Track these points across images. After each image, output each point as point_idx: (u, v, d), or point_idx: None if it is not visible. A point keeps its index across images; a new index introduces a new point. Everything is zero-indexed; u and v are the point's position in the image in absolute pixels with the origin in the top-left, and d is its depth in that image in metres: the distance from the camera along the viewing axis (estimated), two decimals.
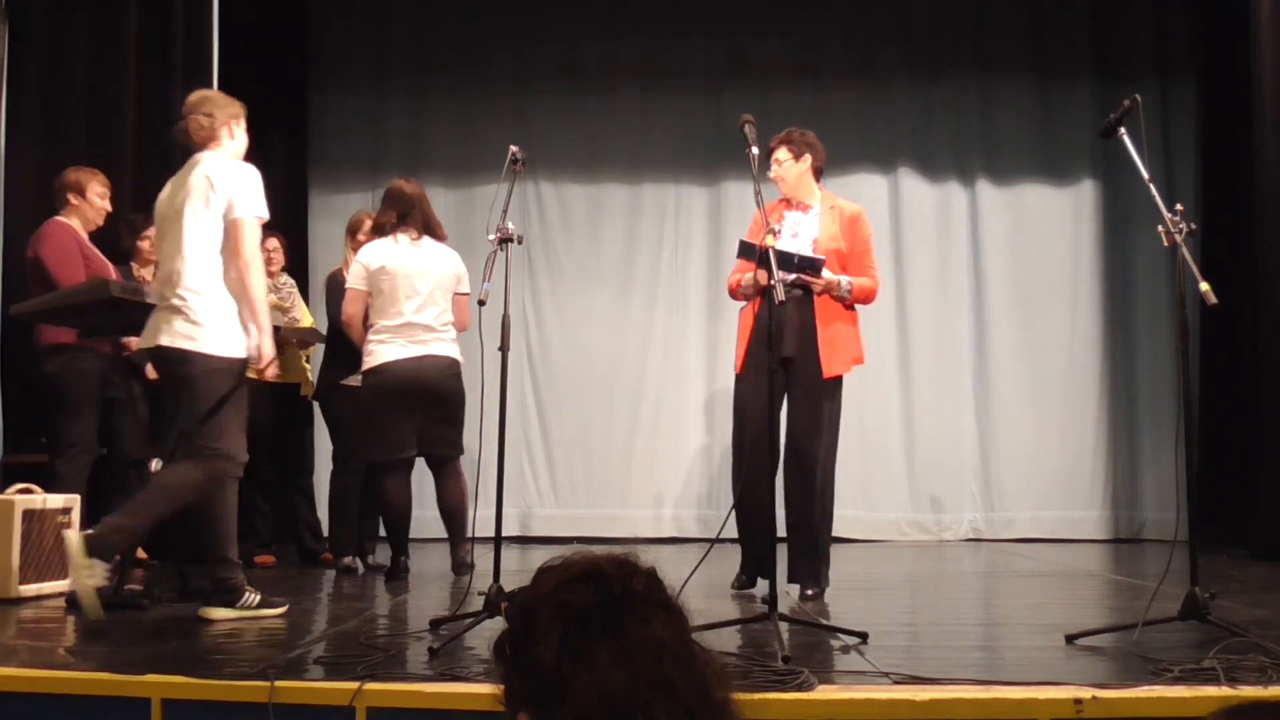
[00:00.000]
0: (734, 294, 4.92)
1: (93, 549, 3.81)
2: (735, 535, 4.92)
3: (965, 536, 7.92)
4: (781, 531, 4.60)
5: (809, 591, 4.63)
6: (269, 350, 4.13)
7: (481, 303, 3.96)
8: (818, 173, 4.98)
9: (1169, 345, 7.62)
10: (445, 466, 5.49)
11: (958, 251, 8.14)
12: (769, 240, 3.78)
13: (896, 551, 7.32)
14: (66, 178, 5.52)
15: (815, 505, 4.64)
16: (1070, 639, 3.53)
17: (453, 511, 5.46)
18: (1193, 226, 3.66)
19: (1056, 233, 8.13)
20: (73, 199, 5.50)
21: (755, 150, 3.97)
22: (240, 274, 4.06)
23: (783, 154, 4.90)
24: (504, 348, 4.10)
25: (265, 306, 4.14)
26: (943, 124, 8.19)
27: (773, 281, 3.66)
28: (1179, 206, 3.69)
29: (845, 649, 3.45)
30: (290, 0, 8.07)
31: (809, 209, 4.92)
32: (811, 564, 4.66)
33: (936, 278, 8.11)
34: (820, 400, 4.66)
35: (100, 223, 5.62)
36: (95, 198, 5.55)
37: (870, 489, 7.99)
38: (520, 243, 4.22)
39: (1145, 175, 3.74)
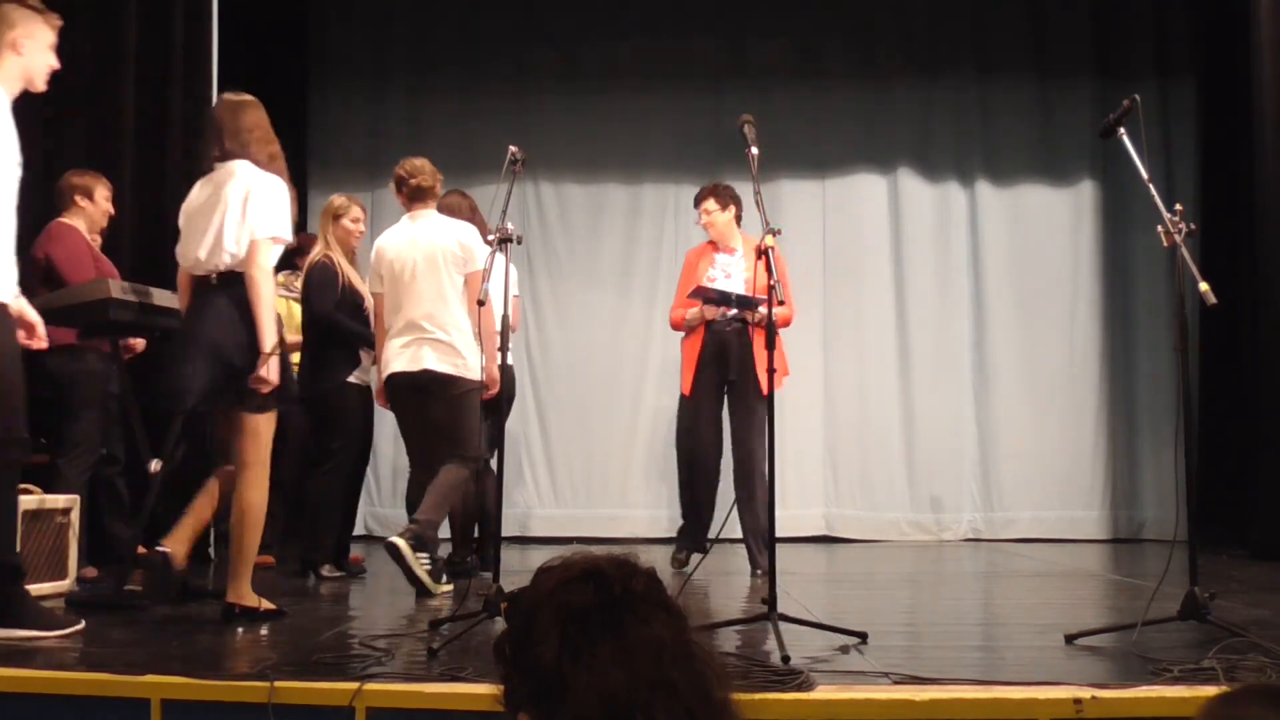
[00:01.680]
0: (677, 327, 5.76)
1: (415, 545, 4.66)
2: (717, 534, 5.26)
3: (965, 536, 7.92)
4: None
5: (759, 570, 5.40)
6: (496, 375, 4.74)
7: (481, 303, 3.96)
8: (738, 219, 5.78)
9: (1168, 345, 7.62)
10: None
11: (957, 252, 8.14)
12: (768, 240, 3.80)
13: (896, 551, 7.32)
14: (73, 180, 5.52)
15: (761, 499, 5.30)
16: (1070, 639, 3.53)
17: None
18: (1192, 226, 3.66)
19: (1056, 233, 8.13)
20: (80, 201, 5.51)
21: (755, 150, 3.98)
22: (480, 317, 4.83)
23: (711, 205, 5.71)
24: (503, 348, 4.11)
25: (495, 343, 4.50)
26: (942, 124, 8.19)
27: (772, 282, 3.69)
28: (1178, 206, 3.69)
29: (845, 649, 3.45)
30: (290, 1, 8.07)
31: (734, 251, 5.72)
32: (761, 549, 5.39)
33: (936, 278, 8.11)
34: (760, 412, 5.37)
35: (104, 225, 5.63)
36: (101, 200, 5.57)
37: (870, 489, 7.99)
38: (520, 243, 4.22)
39: (1145, 175, 3.74)
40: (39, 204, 6.02)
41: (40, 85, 3.82)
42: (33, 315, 3.85)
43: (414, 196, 5.19)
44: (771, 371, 3.77)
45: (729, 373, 5.58)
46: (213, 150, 4.25)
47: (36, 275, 5.40)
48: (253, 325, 3.98)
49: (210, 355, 4.00)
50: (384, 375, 5.11)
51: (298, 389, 4.58)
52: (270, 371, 3.97)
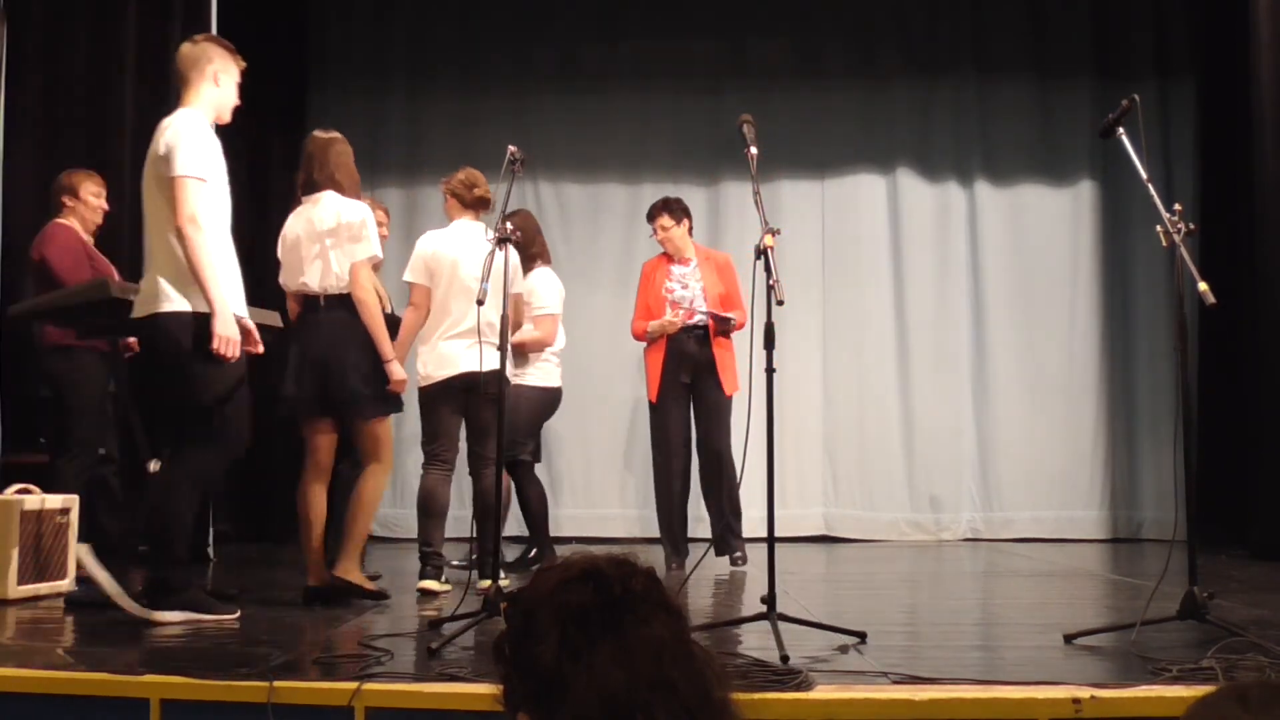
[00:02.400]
0: (639, 338, 6.01)
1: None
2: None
3: (964, 536, 7.92)
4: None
5: (737, 555, 5.84)
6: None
7: (480, 302, 3.97)
8: (690, 230, 6.06)
9: (1168, 345, 7.62)
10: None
11: (956, 252, 8.14)
12: (768, 240, 3.80)
13: (895, 551, 7.32)
14: (60, 181, 5.53)
15: (731, 492, 5.79)
16: (1069, 638, 3.53)
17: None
18: (1191, 226, 3.66)
19: (1055, 233, 8.13)
20: (67, 201, 5.50)
21: (754, 150, 3.98)
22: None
23: (666, 220, 5.95)
24: (503, 347, 4.11)
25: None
26: (942, 124, 8.19)
27: (772, 282, 3.68)
28: (1178, 206, 3.69)
29: (844, 649, 3.45)
30: (290, 1, 8.06)
31: (689, 262, 5.99)
32: (737, 538, 5.87)
33: (935, 278, 8.11)
34: (724, 412, 5.85)
35: (99, 222, 5.61)
36: (90, 197, 5.55)
37: (869, 489, 7.99)
38: (518, 242, 4.22)
39: (1144, 175, 3.74)
40: (37, 207, 6.05)
41: (227, 118, 4.17)
42: (250, 324, 4.11)
43: (477, 205, 5.34)
44: (771, 371, 3.74)
45: (690, 377, 5.89)
46: (301, 178, 4.76)
47: (33, 277, 5.41)
48: (360, 342, 4.50)
49: (320, 370, 4.49)
50: (441, 375, 5.02)
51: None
52: (400, 372, 4.46)
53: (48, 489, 5.02)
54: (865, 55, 8.25)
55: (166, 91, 6.41)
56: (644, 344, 6.03)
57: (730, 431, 5.88)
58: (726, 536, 5.88)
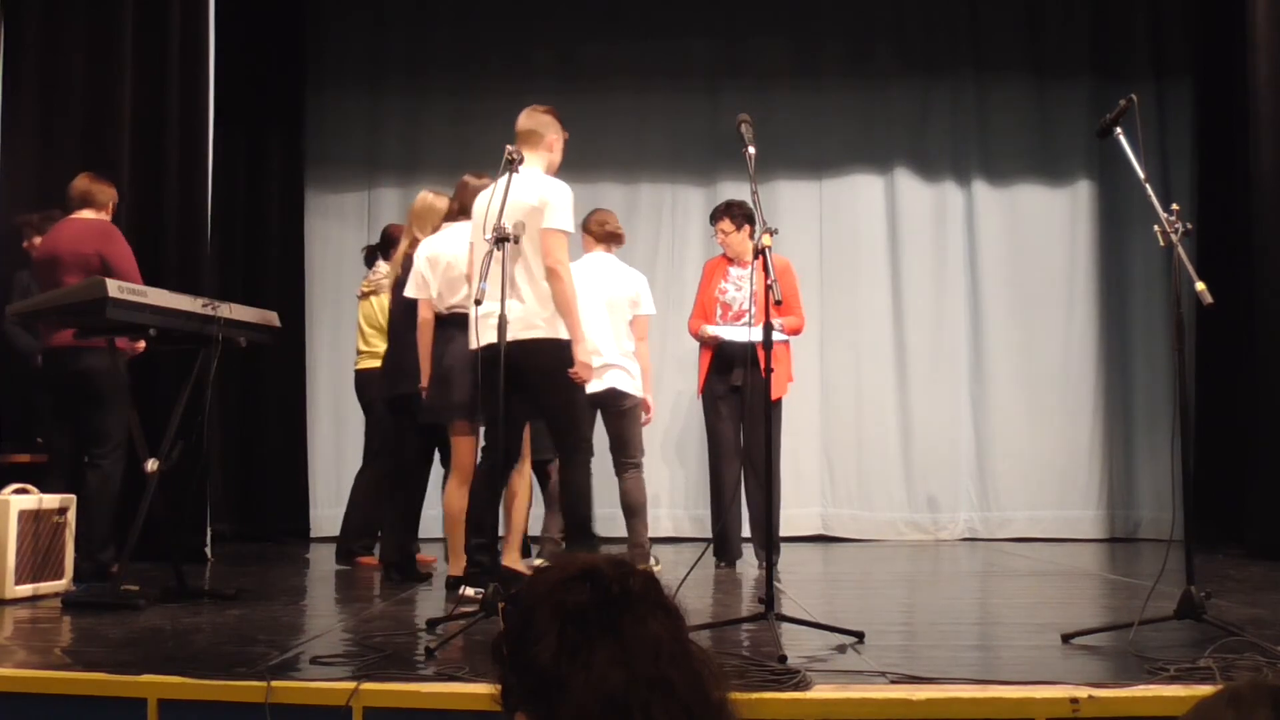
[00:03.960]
0: (694, 335, 6.19)
1: None
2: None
3: (961, 536, 7.92)
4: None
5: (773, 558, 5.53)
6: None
7: (478, 302, 3.96)
8: (751, 235, 5.98)
9: (1165, 345, 7.63)
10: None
11: (954, 252, 8.14)
12: (765, 240, 3.81)
13: (893, 551, 7.32)
14: (112, 188, 5.53)
15: (771, 503, 5.54)
16: (1066, 638, 3.54)
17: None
18: (1189, 226, 3.66)
19: (1053, 233, 8.13)
20: (113, 209, 5.53)
21: (752, 150, 3.98)
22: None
23: (727, 225, 6.08)
24: (502, 347, 4.10)
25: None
26: (939, 124, 8.19)
27: (770, 281, 3.69)
28: (1175, 206, 3.70)
29: (842, 648, 3.45)
30: (287, 1, 8.06)
31: (747, 264, 6.07)
32: (772, 544, 5.57)
33: (933, 278, 8.12)
34: (766, 416, 5.60)
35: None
36: (112, 207, 5.60)
37: (866, 489, 8.00)
38: (517, 242, 4.23)
39: (1141, 175, 3.74)
40: (36, 207, 6.04)
41: (553, 175, 4.78)
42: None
43: (609, 240, 5.96)
44: (769, 371, 3.75)
45: (735, 380, 5.97)
46: (454, 207, 5.22)
47: (65, 273, 5.25)
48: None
49: (474, 380, 4.71)
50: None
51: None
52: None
53: (83, 486, 5.02)
54: (863, 55, 8.25)
55: (165, 91, 6.43)
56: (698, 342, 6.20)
57: (775, 442, 5.72)
58: (761, 543, 5.66)
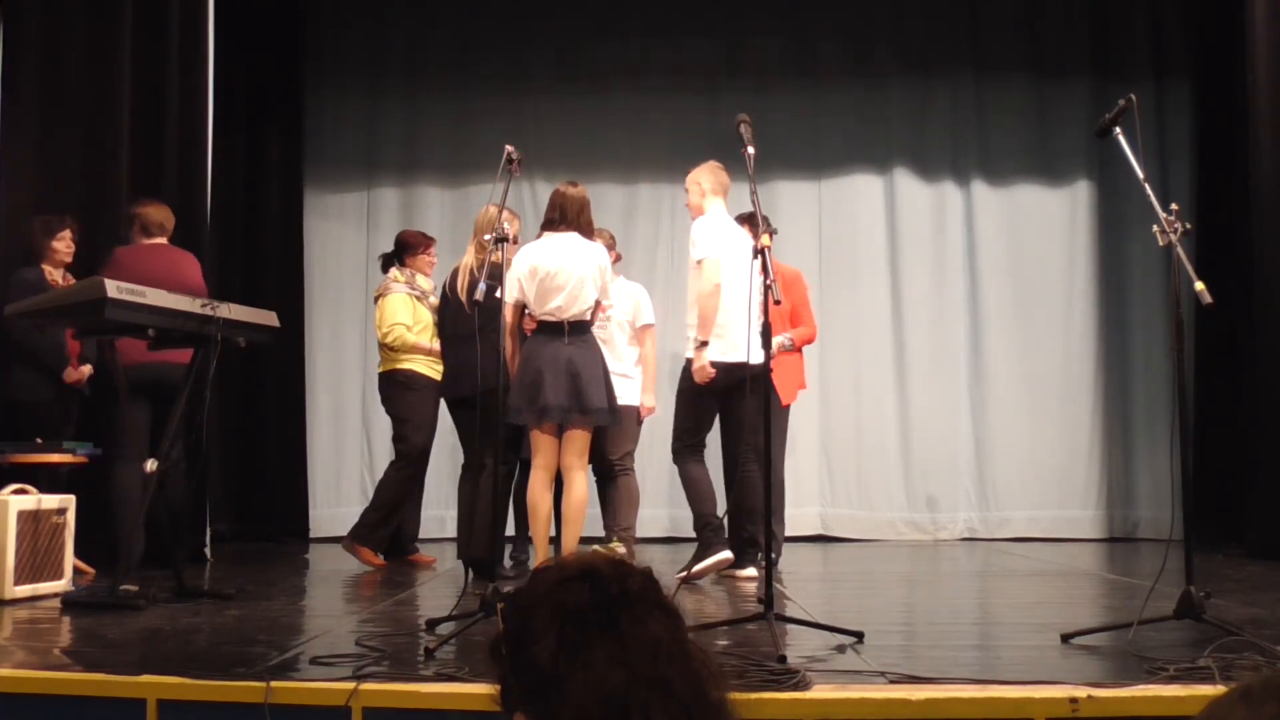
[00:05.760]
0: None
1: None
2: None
3: (961, 536, 7.92)
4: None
5: (773, 555, 5.53)
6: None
7: (478, 302, 3.96)
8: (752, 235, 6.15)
9: (1164, 344, 7.63)
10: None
11: (953, 251, 8.15)
12: (764, 240, 3.81)
13: (892, 551, 7.32)
14: (159, 211, 5.71)
15: (775, 502, 5.59)
16: (1066, 638, 3.54)
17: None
18: (1188, 226, 3.66)
19: (1052, 232, 8.14)
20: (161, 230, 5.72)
21: (751, 150, 3.99)
22: None
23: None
24: (502, 346, 4.11)
25: None
26: (938, 124, 8.20)
27: (769, 281, 3.69)
28: (1174, 206, 3.70)
29: (841, 648, 3.45)
30: (286, 2, 8.06)
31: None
32: (752, 547, 5.66)
33: (932, 278, 8.12)
34: (777, 424, 5.68)
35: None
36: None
37: (866, 488, 8.00)
38: (516, 242, 4.23)
39: (1140, 175, 3.75)
40: (35, 206, 6.04)
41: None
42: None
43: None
44: (768, 371, 3.76)
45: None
46: (554, 216, 5.28)
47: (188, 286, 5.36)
48: (603, 362, 5.20)
49: (572, 382, 4.98)
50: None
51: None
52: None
53: (106, 490, 5.10)
54: (862, 55, 8.26)
55: (164, 91, 6.42)
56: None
57: (780, 444, 5.82)
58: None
